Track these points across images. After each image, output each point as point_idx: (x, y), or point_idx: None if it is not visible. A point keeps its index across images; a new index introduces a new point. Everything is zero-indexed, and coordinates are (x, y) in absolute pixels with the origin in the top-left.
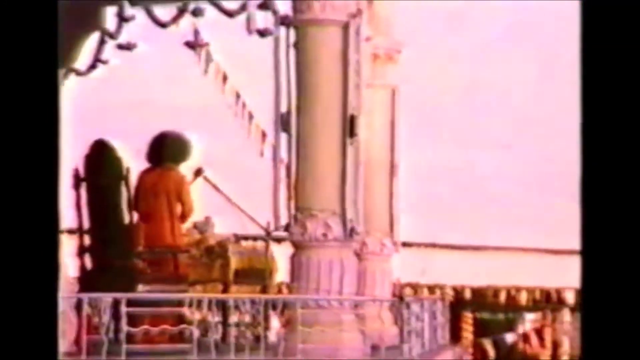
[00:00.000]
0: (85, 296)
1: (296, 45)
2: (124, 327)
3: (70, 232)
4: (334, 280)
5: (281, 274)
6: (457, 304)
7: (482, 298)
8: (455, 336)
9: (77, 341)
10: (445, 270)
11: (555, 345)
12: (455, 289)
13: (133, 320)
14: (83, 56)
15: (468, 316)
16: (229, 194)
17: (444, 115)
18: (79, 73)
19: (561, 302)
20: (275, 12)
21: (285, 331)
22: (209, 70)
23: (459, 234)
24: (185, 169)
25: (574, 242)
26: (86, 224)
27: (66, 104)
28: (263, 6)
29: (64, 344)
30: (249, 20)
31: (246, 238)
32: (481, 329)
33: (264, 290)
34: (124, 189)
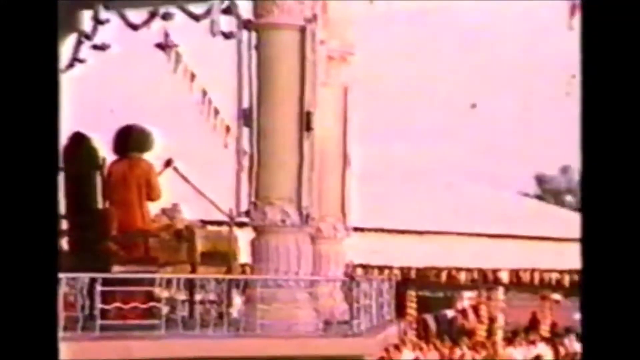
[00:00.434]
0: (64, 276)
1: (257, 47)
2: (98, 304)
3: None
4: (291, 262)
5: (243, 256)
6: (403, 283)
7: (425, 278)
8: (401, 312)
9: None
10: (392, 253)
11: (491, 320)
12: (401, 270)
13: (106, 298)
14: (62, 56)
15: (412, 294)
16: (195, 182)
17: (391, 111)
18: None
19: (496, 282)
20: (238, 17)
21: (246, 308)
22: (178, 70)
23: (405, 220)
24: (151, 157)
25: (508, 227)
26: (63, 210)
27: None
28: (227, 11)
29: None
30: (213, 24)
31: (211, 223)
32: (424, 305)
33: (228, 271)
34: (99, 178)
